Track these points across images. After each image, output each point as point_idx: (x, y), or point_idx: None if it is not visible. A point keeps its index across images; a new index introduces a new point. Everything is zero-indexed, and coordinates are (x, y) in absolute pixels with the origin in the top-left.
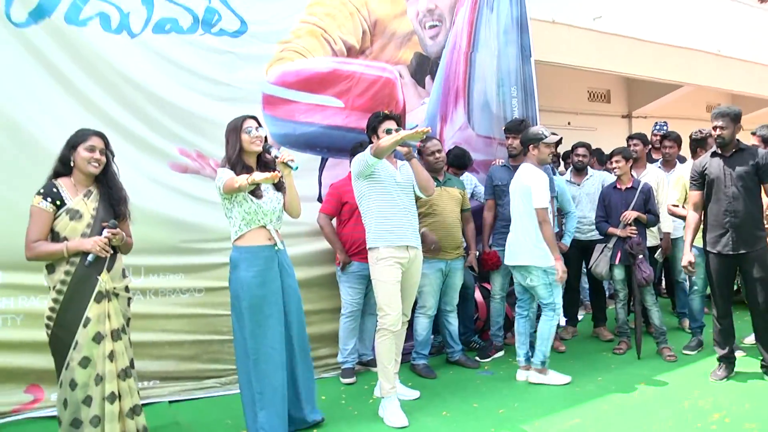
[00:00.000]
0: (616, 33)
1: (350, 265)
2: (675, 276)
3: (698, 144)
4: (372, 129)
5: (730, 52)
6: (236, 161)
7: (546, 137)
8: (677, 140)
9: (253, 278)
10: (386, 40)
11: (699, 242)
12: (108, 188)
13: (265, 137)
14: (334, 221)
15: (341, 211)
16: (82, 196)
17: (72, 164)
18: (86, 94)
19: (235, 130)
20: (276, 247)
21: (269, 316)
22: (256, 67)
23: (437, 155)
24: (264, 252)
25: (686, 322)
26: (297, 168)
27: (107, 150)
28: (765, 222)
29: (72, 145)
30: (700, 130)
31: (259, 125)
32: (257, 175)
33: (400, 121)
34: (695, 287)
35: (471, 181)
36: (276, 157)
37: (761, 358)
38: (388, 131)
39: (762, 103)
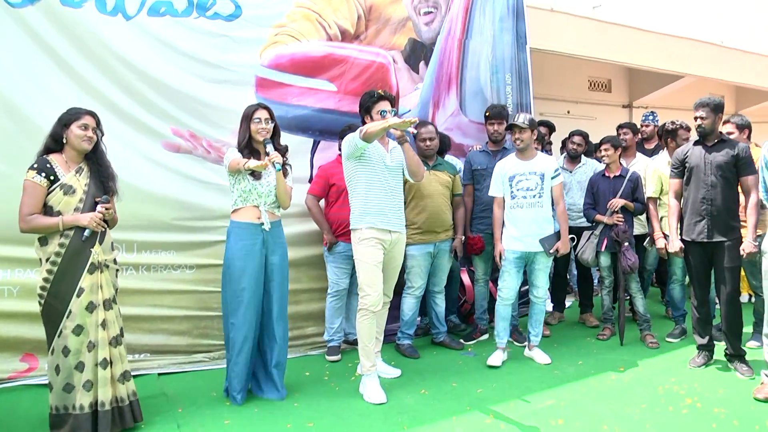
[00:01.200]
0: (617, 22)
1: (336, 245)
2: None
3: (669, 135)
4: (365, 109)
5: (732, 43)
6: (244, 146)
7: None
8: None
9: (238, 250)
10: (381, 26)
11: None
12: (98, 165)
13: (274, 128)
14: (322, 203)
15: (329, 192)
16: (74, 172)
17: (64, 141)
18: (82, 74)
19: (246, 118)
20: (263, 226)
21: (244, 289)
22: (250, 50)
23: (428, 143)
24: (250, 228)
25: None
26: (280, 168)
27: (98, 128)
28: (741, 214)
29: (65, 123)
30: (672, 121)
31: (271, 117)
32: (251, 163)
33: (394, 101)
34: (674, 276)
35: (458, 165)
36: (267, 153)
37: (725, 347)
38: (382, 113)
39: (765, 96)
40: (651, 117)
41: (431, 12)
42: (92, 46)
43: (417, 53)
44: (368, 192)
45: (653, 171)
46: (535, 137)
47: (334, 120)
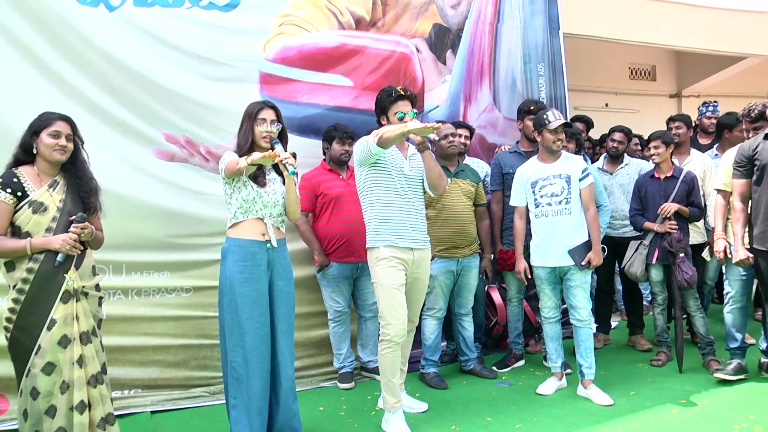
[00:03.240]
0: None
1: (328, 267)
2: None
3: (726, 127)
4: (381, 109)
5: None
6: (245, 151)
7: (549, 123)
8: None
9: (238, 273)
10: (400, 10)
11: None
12: (77, 179)
13: (282, 130)
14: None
15: (314, 204)
16: (46, 187)
17: (35, 152)
18: (59, 73)
19: (249, 117)
20: (269, 244)
21: (250, 317)
22: (251, 43)
23: (451, 139)
24: (253, 247)
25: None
26: (294, 173)
27: (75, 136)
28: None
29: (34, 130)
30: (729, 113)
31: (278, 119)
32: (255, 155)
33: (415, 100)
34: (731, 296)
35: (481, 168)
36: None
37: None
38: (400, 117)
39: None
40: (712, 108)
41: None
42: (71, 41)
43: (444, 41)
44: (385, 205)
45: (725, 164)
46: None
47: (351, 119)
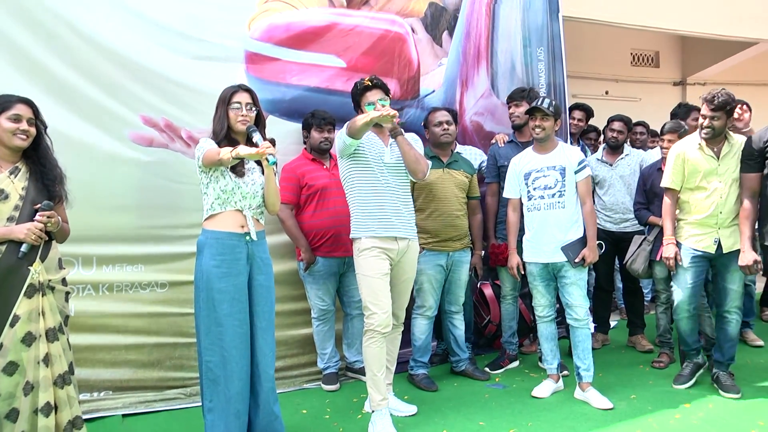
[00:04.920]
0: None
1: (314, 264)
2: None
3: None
4: (355, 102)
5: None
6: (222, 138)
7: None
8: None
9: (215, 268)
10: None
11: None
12: (40, 165)
13: (258, 114)
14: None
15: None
16: (7, 173)
17: None
18: (23, 48)
19: (223, 102)
20: (248, 237)
21: (228, 314)
22: (236, 19)
23: (446, 126)
24: (232, 239)
25: (749, 334)
26: (274, 163)
27: (37, 120)
28: None
29: None
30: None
31: (254, 103)
32: (242, 149)
33: (386, 87)
34: (678, 304)
35: (475, 156)
36: (256, 144)
37: None
38: (368, 107)
39: None
40: None
41: None
42: (35, 14)
43: (439, 21)
44: (366, 195)
45: (676, 155)
46: (557, 128)
47: (342, 103)
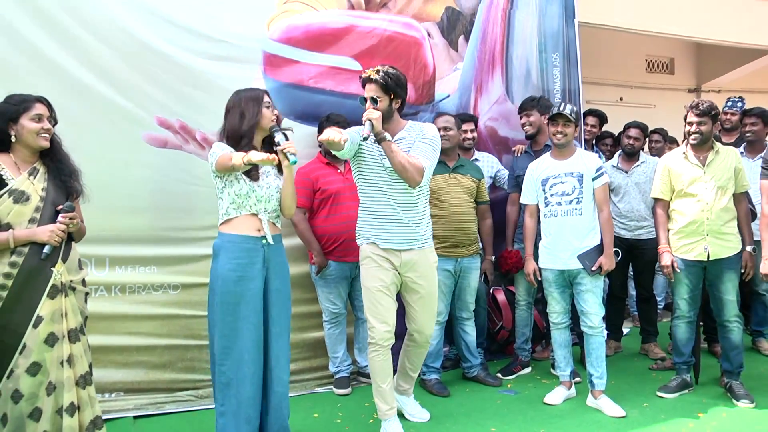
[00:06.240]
0: None
1: (327, 267)
2: (754, 286)
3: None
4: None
5: None
6: (247, 136)
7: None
8: (763, 116)
9: (231, 271)
10: None
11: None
12: (56, 162)
13: (276, 117)
14: None
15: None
16: (26, 175)
17: (12, 139)
18: (39, 47)
19: (257, 100)
20: (264, 241)
21: (243, 318)
22: (255, 20)
23: (444, 132)
24: (248, 243)
25: (764, 343)
26: (295, 162)
27: (51, 117)
28: None
29: (10, 116)
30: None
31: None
32: (254, 155)
33: (387, 83)
34: (679, 312)
35: (491, 163)
36: (278, 144)
37: None
38: (364, 101)
39: None
40: (731, 103)
41: None
42: (51, 13)
43: (456, 26)
44: (367, 201)
45: (663, 166)
46: (576, 134)
47: (358, 107)
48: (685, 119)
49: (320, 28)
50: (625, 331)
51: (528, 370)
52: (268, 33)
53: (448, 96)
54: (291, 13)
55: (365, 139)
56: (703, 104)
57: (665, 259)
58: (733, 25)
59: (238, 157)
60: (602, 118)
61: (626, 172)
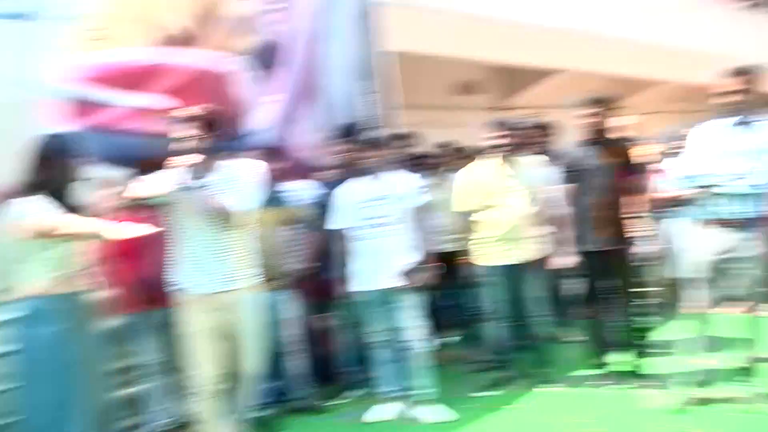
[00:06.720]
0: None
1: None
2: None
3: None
4: None
5: (604, 31)
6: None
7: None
8: (541, 127)
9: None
10: (223, 25)
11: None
12: None
13: None
14: None
15: None
16: None
17: None
18: None
19: (62, 152)
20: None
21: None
22: (49, 59)
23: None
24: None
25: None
26: None
27: None
28: None
29: None
30: None
31: None
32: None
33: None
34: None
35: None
36: None
37: None
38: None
39: (643, 85)
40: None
41: (280, 7)
42: None
43: (266, 58)
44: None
45: (467, 180)
46: (387, 157)
47: (164, 148)
48: (491, 135)
49: (125, 67)
50: (448, 339)
51: (358, 392)
52: (65, 73)
53: (261, 129)
54: (91, 50)
55: (186, 188)
56: (507, 122)
57: None
58: (527, 49)
59: None
60: (415, 140)
61: (440, 187)
